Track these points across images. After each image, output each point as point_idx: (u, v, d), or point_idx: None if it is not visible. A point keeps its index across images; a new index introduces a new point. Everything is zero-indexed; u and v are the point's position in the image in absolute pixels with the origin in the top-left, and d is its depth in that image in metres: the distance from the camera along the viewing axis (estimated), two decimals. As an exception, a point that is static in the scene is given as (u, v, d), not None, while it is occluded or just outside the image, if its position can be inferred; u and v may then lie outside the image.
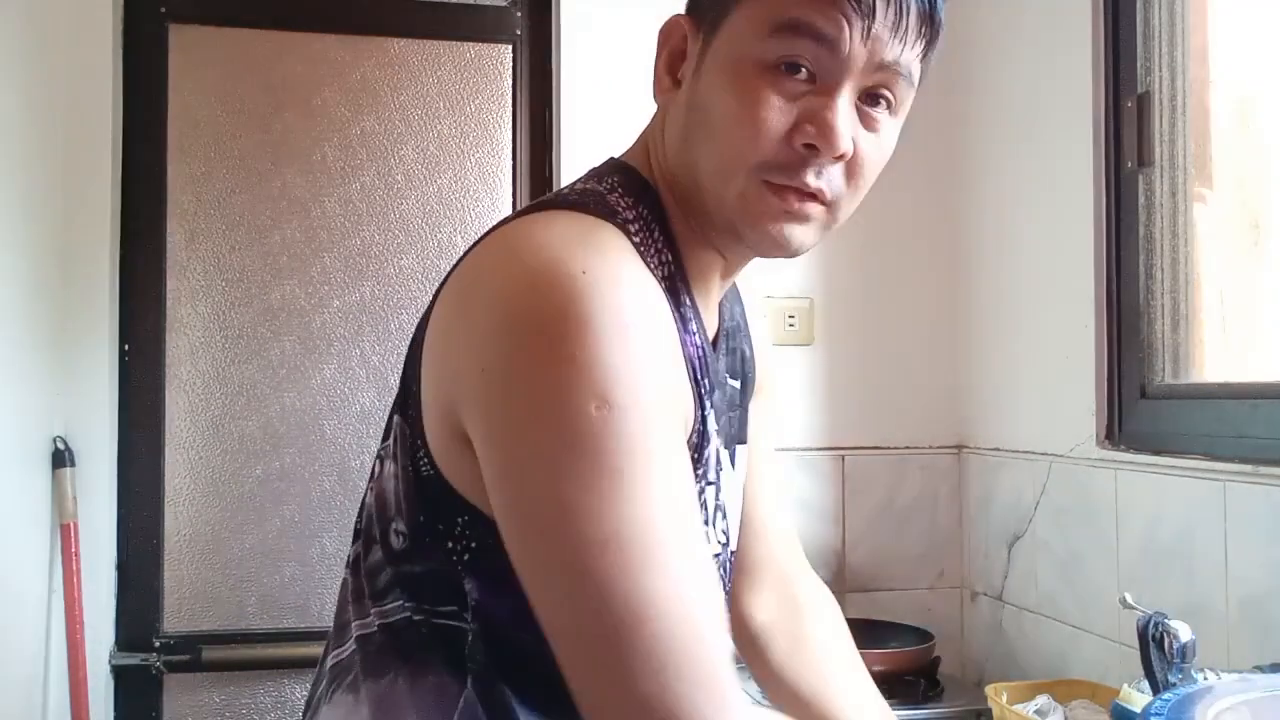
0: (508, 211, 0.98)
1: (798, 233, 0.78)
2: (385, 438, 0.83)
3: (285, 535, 2.16)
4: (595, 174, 0.86)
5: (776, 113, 0.75)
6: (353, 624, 0.83)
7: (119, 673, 2.08)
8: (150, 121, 2.13)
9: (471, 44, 2.26)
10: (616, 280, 0.70)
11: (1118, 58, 1.83)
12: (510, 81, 2.27)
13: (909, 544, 2.27)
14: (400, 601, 0.79)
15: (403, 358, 0.83)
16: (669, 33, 0.83)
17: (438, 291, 0.80)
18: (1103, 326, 1.84)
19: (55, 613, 1.97)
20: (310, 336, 2.18)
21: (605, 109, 2.13)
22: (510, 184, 2.26)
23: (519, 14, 2.27)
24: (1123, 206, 1.82)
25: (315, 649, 2.33)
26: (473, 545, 0.76)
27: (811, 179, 0.76)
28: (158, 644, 2.09)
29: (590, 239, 0.73)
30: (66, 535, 1.96)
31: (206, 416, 2.15)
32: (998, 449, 2.15)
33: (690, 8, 0.83)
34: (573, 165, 2.14)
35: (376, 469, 0.83)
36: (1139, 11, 1.79)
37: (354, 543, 0.85)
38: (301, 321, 2.18)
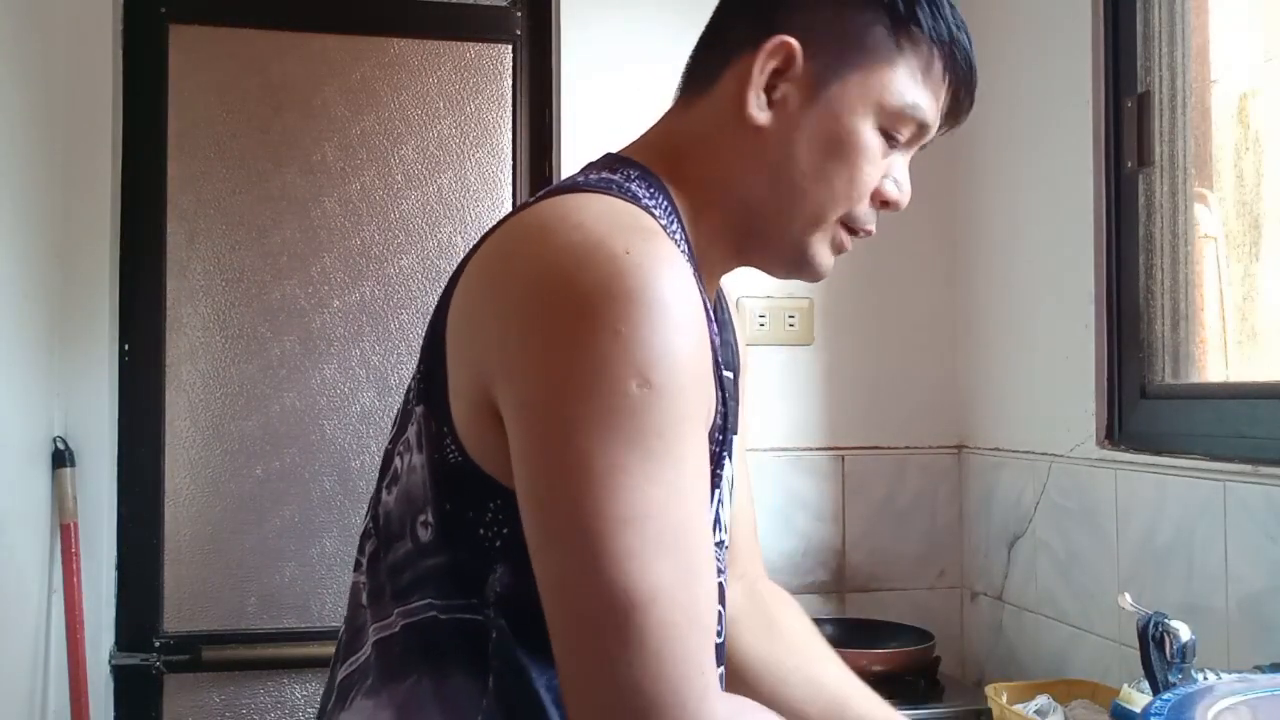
0: (508, 211, 0.98)
1: (833, 262, 0.89)
2: (400, 433, 0.82)
3: (285, 535, 2.16)
4: (604, 165, 0.85)
5: (874, 173, 0.85)
6: (369, 627, 0.81)
7: (119, 673, 2.08)
8: (150, 121, 2.13)
9: (471, 44, 2.26)
10: (660, 262, 0.70)
11: (1118, 58, 1.83)
12: (510, 81, 2.27)
13: (909, 544, 2.27)
14: (428, 600, 0.78)
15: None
16: (779, 53, 0.83)
17: (455, 277, 0.79)
18: (1103, 326, 1.84)
19: (55, 613, 1.97)
20: (310, 336, 2.18)
21: (605, 109, 2.13)
22: (510, 184, 2.26)
23: (519, 14, 2.27)
24: (1123, 206, 1.82)
25: (315, 649, 2.33)
26: (504, 531, 0.75)
27: (874, 225, 0.88)
28: (158, 644, 2.09)
29: (628, 221, 0.73)
30: (66, 535, 1.96)
31: (206, 416, 2.15)
32: (998, 449, 2.15)
33: (801, 34, 0.83)
34: (573, 165, 2.12)
35: (398, 465, 0.81)
36: (1139, 11, 1.79)
37: (366, 542, 0.84)
38: (301, 321, 2.18)
